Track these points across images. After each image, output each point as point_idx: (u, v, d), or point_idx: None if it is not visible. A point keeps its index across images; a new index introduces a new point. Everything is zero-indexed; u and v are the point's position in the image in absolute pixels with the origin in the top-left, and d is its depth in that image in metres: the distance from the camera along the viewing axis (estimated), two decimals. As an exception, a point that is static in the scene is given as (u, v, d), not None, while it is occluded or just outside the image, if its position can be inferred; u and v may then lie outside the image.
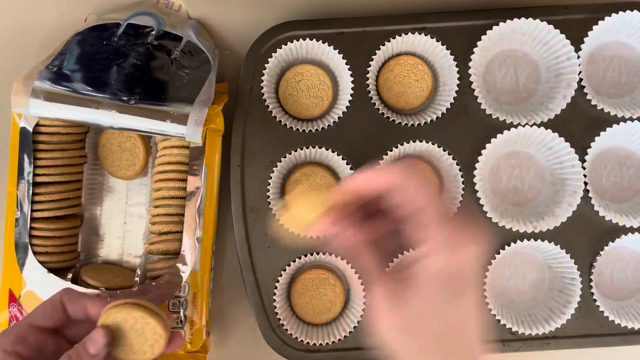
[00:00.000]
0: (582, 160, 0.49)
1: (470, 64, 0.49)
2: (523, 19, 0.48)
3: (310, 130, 0.50)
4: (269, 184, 0.50)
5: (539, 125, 0.49)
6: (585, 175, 0.49)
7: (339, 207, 0.33)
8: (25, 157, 0.47)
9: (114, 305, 0.37)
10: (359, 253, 0.32)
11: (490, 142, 0.49)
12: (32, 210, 0.47)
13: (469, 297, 0.31)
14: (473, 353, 0.31)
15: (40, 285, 0.47)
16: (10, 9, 0.54)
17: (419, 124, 0.50)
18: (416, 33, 0.49)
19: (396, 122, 0.50)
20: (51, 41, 0.52)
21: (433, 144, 0.49)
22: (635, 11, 0.48)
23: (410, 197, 0.31)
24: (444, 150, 0.50)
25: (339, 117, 0.50)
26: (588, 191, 0.49)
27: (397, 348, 0.31)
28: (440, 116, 0.50)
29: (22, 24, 0.54)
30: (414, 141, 0.49)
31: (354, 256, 0.33)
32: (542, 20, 0.48)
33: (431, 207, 0.30)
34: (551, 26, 0.48)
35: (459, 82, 0.49)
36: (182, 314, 0.48)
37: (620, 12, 0.48)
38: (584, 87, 0.49)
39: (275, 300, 0.49)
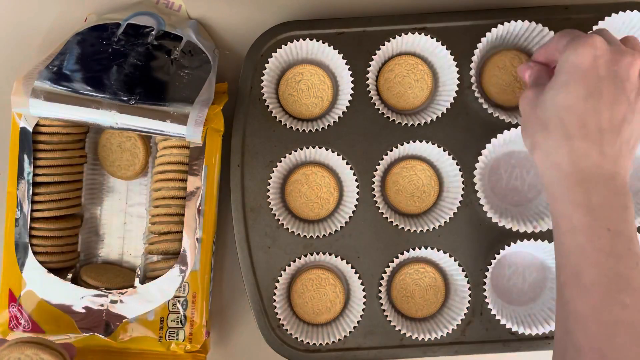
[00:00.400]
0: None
1: (471, 65, 0.49)
2: (519, 21, 0.48)
3: (310, 130, 0.50)
4: (269, 184, 0.50)
5: (539, 125, 0.49)
6: None
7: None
8: (25, 157, 0.47)
9: (7, 346, 0.37)
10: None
11: (490, 142, 0.49)
12: (32, 210, 0.47)
13: None
14: None
15: (40, 285, 0.47)
16: (10, 9, 0.54)
17: (419, 124, 0.50)
18: (416, 33, 0.49)
19: (396, 122, 0.50)
20: (51, 41, 0.52)
21: (433, 144, 0.49)
22: (635, 11, 0.48)
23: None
24: (444, 150, 0.50)
25: (339, 117, 0.50)
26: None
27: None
28: (440, 116, 0.50)
29: (22, 23, 0.54)
30: (414, 141, 0.49)
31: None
32: (541, 21, 0.48)
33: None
34: (546, 28, 0.48)
35: (459, 82, 0.49)
36: (182, 313, 0.48)
37: (620, 12, 0.48)
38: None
39: (275, 300, 0.49)
